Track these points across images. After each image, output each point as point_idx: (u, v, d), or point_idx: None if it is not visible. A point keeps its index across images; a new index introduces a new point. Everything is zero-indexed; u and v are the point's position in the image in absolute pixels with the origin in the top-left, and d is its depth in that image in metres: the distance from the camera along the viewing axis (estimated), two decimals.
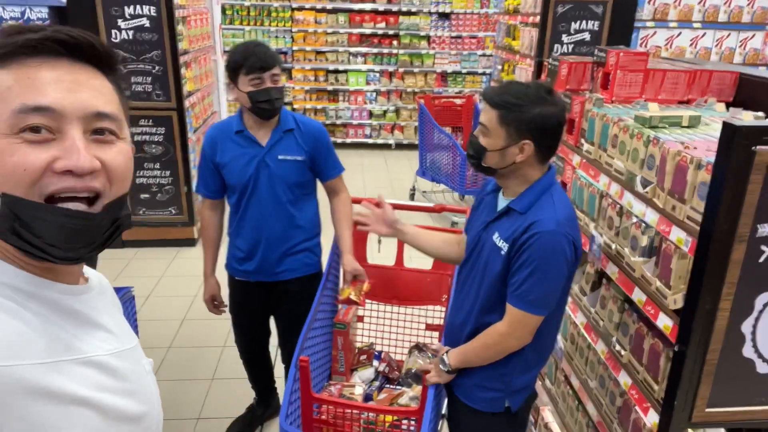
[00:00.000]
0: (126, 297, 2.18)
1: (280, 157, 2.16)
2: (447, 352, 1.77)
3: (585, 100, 2.05)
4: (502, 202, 1.69)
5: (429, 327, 2.60)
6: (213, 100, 5.64)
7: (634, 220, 1.64)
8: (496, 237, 1.64)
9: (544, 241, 1.52)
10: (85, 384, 0.70)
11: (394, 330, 2.66)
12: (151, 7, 4.11)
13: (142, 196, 4.53)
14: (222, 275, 2.44)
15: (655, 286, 1.52)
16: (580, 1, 4.29)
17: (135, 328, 2.44)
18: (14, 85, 0.65)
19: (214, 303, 2.42)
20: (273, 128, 2.18)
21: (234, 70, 2.07)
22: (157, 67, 4.26)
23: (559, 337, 2.24)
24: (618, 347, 1.74)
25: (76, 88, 0.68)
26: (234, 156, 2.17)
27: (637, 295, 1.61)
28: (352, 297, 2.18)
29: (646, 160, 1.60)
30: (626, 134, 1.71)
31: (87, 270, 0.84)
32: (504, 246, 1.60)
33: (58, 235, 0.66)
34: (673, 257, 1.43)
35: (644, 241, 1.59)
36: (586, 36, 4.39)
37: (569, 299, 2.13)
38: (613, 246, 1.76)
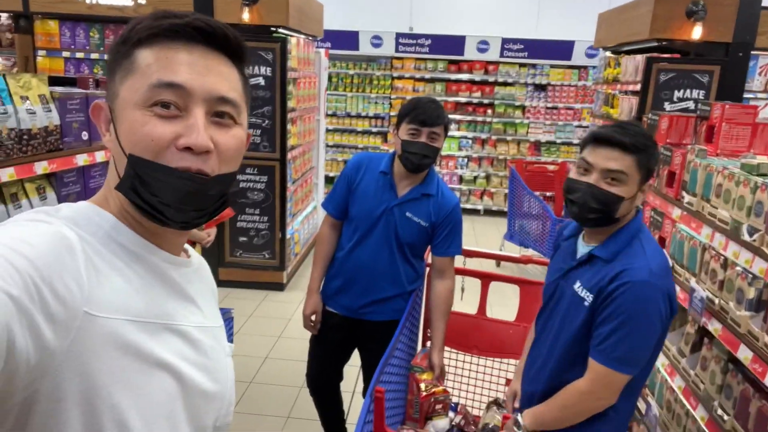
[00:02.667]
0: (226, 317, 2.31)
1: (407, 214, 2.21)
2: (521, 413, 1.64)
3: (687, 151, 1.99)
4: (583, 248, 1.58)
5: (509, 382, 2.50)
6: (312, 155, 5.99)
7: (740, 270, 1.54)
8: (577, 286, 1.52)
9: (635, 293, 1.39)
10: (170, 350, 0.74)
11: (473, 382, 2.58)
12: (268, 68, 4.53)
13: (241, 239, 4.82)
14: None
15: (763, 341, 1.39)
16: (684, 70, 4.21)
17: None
18: (154, 63, 0.73)
19: (311, 319, 2.40)
20: (415, 185, 2.21)
21: (401, 117, 2.18)
22: (266, 122, 4.64)
23: (654, 403, 2.06)
24: (720, 412, 1.59)
25: (205, 72, 0.75)
26: (368, 191, 2.24)
27: (743, 353, 1.48)
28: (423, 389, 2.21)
29: (753, 207, 1.51)
30: (732, 182, 1.63)
31: (191, 251, 0.90)
32: (588, 296, 1.48)
33: (173, 195, 0.73)
34: None
35: (751, 293, 1.47)
36: (690, 105, 4.26)
37: (666, 362, 1.99)
38: (717, 301, 1.64)
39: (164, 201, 0.73)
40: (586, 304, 1.48)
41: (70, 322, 0.63)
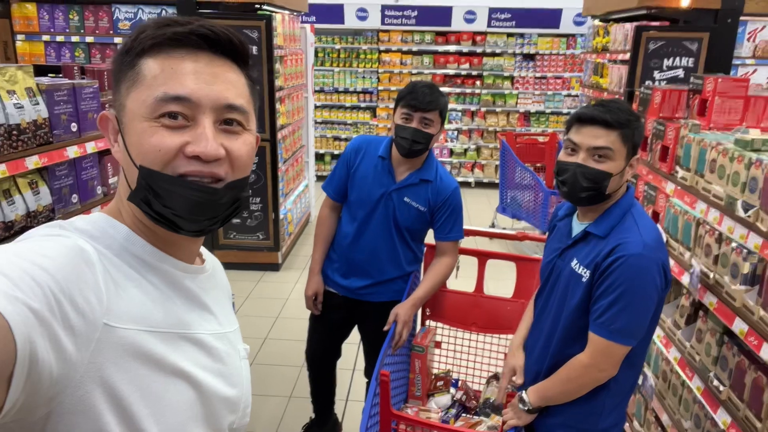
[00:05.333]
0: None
1: (405, 199, 2.21)
2: (525, 390, 1.68)
3: (680, 126, 2.00)
4: (578, 227, 1.62)
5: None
6: (302, 134, 5.94)
7: (735, 246, 1.56)
8: (574, 264, 1.56)
9: (630, 266, 1.43)
10: (187, 358, 0.75)
11: (472, 358, 2.62)
12: (254, 47, 4.45)
13: (234, 220, 4.79)
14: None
15: (758, 315, 1.43)
16: (673, 38, 4.20)
17: None
18: (160, 75, 0.72)
19: (314, 300, 2.43)
20: (413, 170, 2.21)
21: (397, 100, 2.17)
22: None
23: (650, 374, 2.12)
24: (716, 383, 1.63)
25: (212, 81, 0.73)
26: (367, 175, 2.23)
27: (738, 326, 1.52)
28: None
29: (747, 183, 1.53)
30: (726, 158, 1.65)
31: (205, 253, 0.91)
32: (585, 273, 1.52)
33: (185, 206, 0.73)
34: None
35: (746, 268, 1.50)
36: (680, 73, 4.26)
37: (662, 333, 2.03)
38: (711, 275, 1.68)
39: (177, 212, 0.73)
40: (584, 280, 1.53)
41: (90, 334, 0.64)
